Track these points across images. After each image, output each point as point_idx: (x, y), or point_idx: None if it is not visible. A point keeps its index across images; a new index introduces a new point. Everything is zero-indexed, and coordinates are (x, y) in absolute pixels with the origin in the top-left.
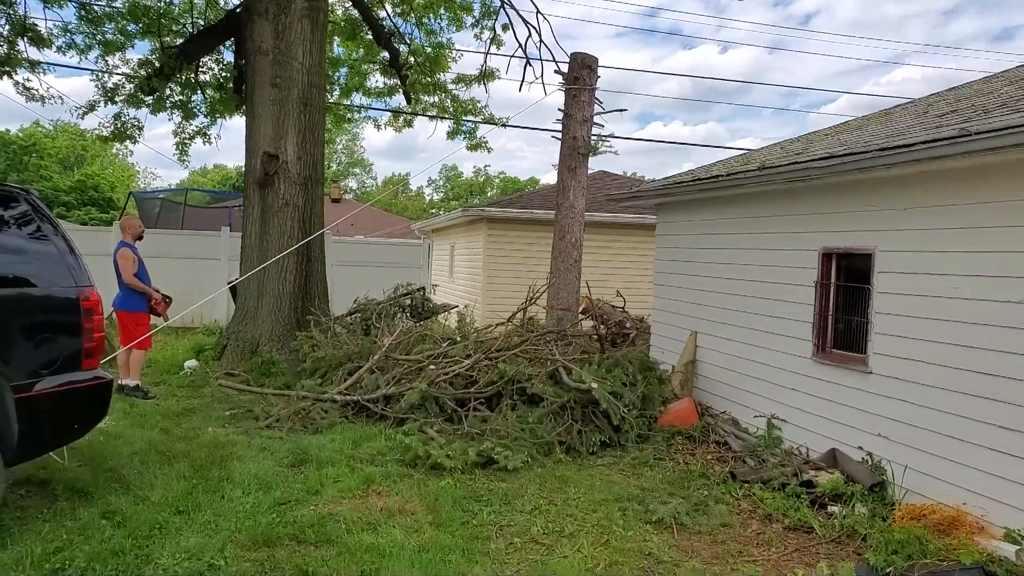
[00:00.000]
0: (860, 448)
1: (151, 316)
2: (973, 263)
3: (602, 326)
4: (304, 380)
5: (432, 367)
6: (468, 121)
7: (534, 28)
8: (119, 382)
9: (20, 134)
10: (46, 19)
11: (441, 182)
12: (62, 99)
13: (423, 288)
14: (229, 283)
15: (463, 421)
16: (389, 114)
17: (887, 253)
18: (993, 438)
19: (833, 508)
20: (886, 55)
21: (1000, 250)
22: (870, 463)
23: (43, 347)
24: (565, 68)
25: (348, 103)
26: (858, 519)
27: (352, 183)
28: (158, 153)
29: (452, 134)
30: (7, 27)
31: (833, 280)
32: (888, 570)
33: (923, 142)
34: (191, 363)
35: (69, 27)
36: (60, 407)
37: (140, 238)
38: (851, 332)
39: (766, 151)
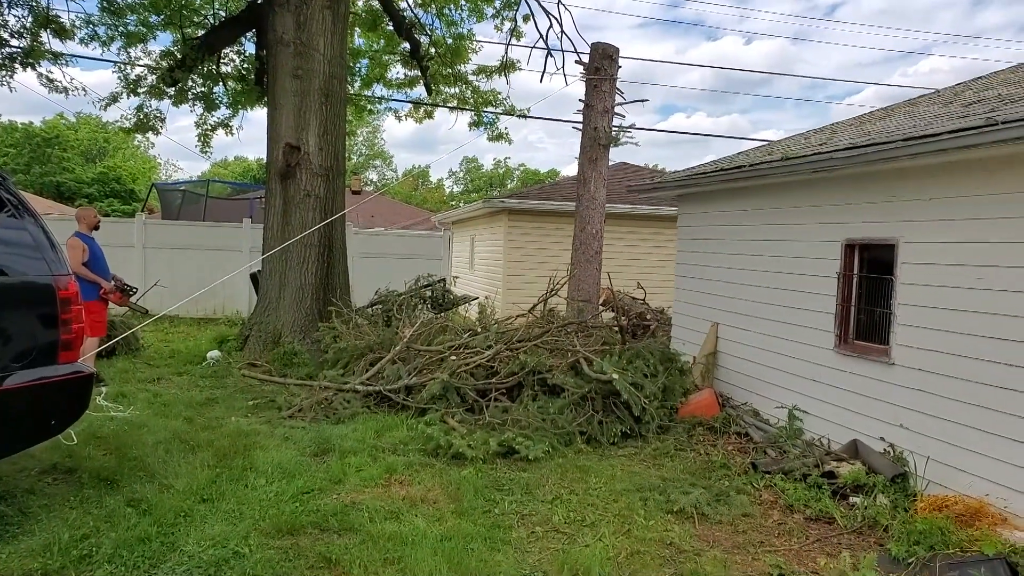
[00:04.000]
0: (882, 439)
1: (107, 305)
2: (999, 254)
3: (623, 317)
4: (326, 370)
5: (453, 358)
6: (488, 112)
7: (555, 18)
8: None
9: (43, 126)
10: (68, 11)
11: (461, 174)
12: (85, 91)
13: (444, 280)
14: (251, 274)
15: (484, 411)
16: (410, 105)
17: (911, 244)
18: (1017, 429)
19: (855, 499)
20: (913, 45)
21: None
22: (892, 454)
23: (14, 339)
24: (586, 59)
25: (369, 94)
26: (880, 510)
27: (373, 175)
28: (180, 145)
29: (473, 125)
30: (30, 19)
31: (856, 271)
32: (910, 560)
33: (949, 132)
34: (214, 354)
35: (92, 19)
36: (33, 403)
37: (96, 228)
38: (874, 323)
39: (789, 141)
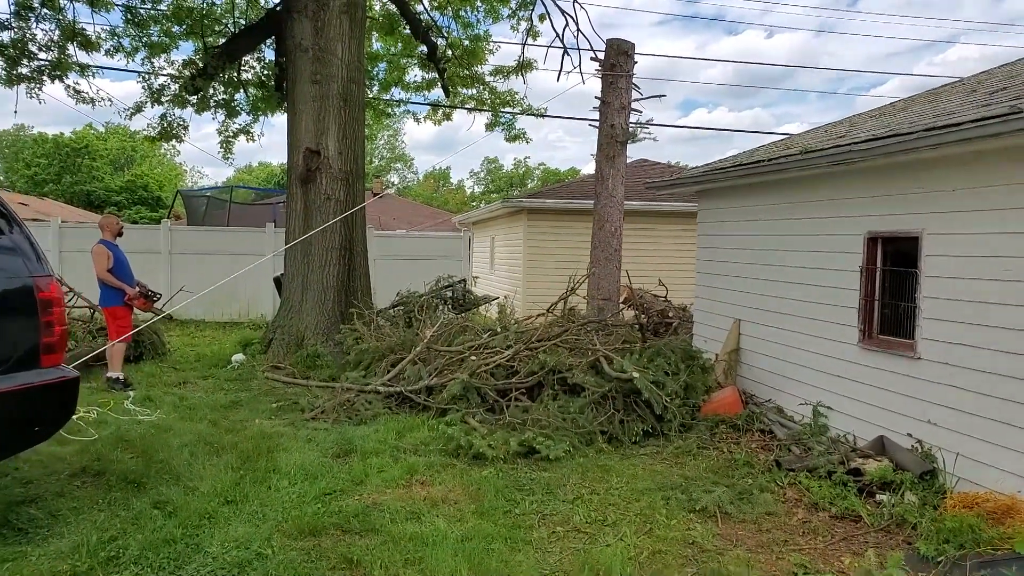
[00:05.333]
0: (909, 435)
1: (132, 311)
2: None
3: (643, 315)
4: (348, 372)
5: (473, 358)
6: (506, 113)
7: (571, 17)
8: (107, 375)
9: (73, 136)
10: (94, 23)
11: (482, 174)
12: (111, 101)
13: (464, 280)
14: (274, 278)
15: (504, 411)
16: (428, 108)
17: (935, 236)
18: None
19: (881, 496)
20: (939, 34)
21: None
22: (920, 451)
23: None
24: (602, 56)
25: (387, 98)
26: (907, 507)
27: (394, 178)
28: (204, 152)
29: (491, 126)
30: (57, 32)
31: (879, 265)
32: (939, 559)
33: (972, 121)
34: (238, 357)
35: (116, 31)
36: (14, 408)
37: (120, 234)
38: (898, 318)
39: (809, 135)
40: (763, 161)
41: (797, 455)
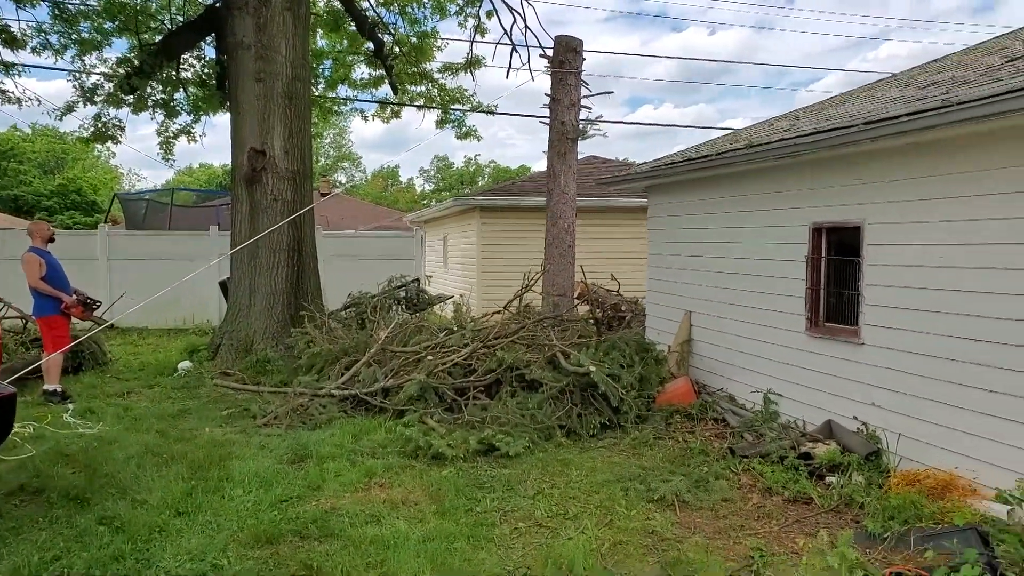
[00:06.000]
0: (855, 418)
1: (70, 320)
2: (959, 232)
3: (598, 310)
4: (300, 376)
5: (430, 358)
6: (456, 110)
7: (519, 14)
8: (45, 387)
9: None
10: (19, 19)
11: (432, 173)
12: (39, 101)
13: (417, 280)
14: (220, 282)
15: (463, 410)
16: (376, 106)
17: (875, 225)
18: (982, 402)
19: (831, 478)
20: (872, 31)
21: (985, 218)
22: (865, 433)
23: None
24: (551, 53)
25: (334, 96)
26: (855, 488)
27: (342, 177)
28: (142, 154)
29: (441, 123)
30: None
31: (824, 254)
32: (886, 536)
33: (907, 114)
34: (185, 364)
35: (43, 27)
36: None
37: (51, 240)
38: (843, 305)
39: (754, 129)
40: (710, 156)
41: (750, 442)
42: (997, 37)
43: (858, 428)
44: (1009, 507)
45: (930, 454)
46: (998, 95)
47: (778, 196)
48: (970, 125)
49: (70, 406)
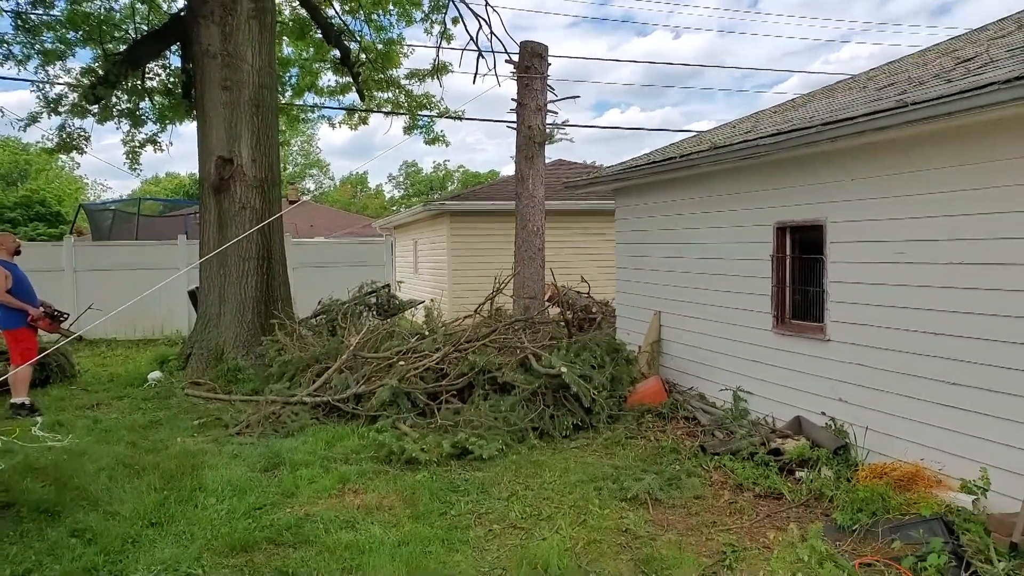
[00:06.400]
0: (823, 414)
1: (37, 332)
2: (916, 229)
3: (568, 312)
4: (272, 384)
5: (402, 363)
6: (423, 115)
7: (484, 20)
8: (11, 401)
9: None
10: None
11: (401, 179)
12: (1, 112)
13: (388, 285)
14: (189, 291)
15: (436, 414)
16: (343, 112)
17: (837, 224)
18: (944, 394)
19: (800, 473)
20: (833, 34)
21: (941, 215)
22: (833, 427)
23: None
24: (516, 58)
25: (301, 103)
26: (824, 482)
27: (310, 184)
28: (107, 164)
29: (409, 129)
30: None
31: (788, 253)
32: (854, 528)
33: (864, 114)
34: (155, 375)
35: (5, 37)
36: None
37: (17, 253)
38: (808, 302)
39: (717, 131)
40: (675, 158)
41: (721, 439)
42: (951, 39)
43: (826, 423)
44: (974, 497)
45: (897, 447)
46: (948, 96)
47: (742, 196)
48: (924, 125)
49: (39, 419)
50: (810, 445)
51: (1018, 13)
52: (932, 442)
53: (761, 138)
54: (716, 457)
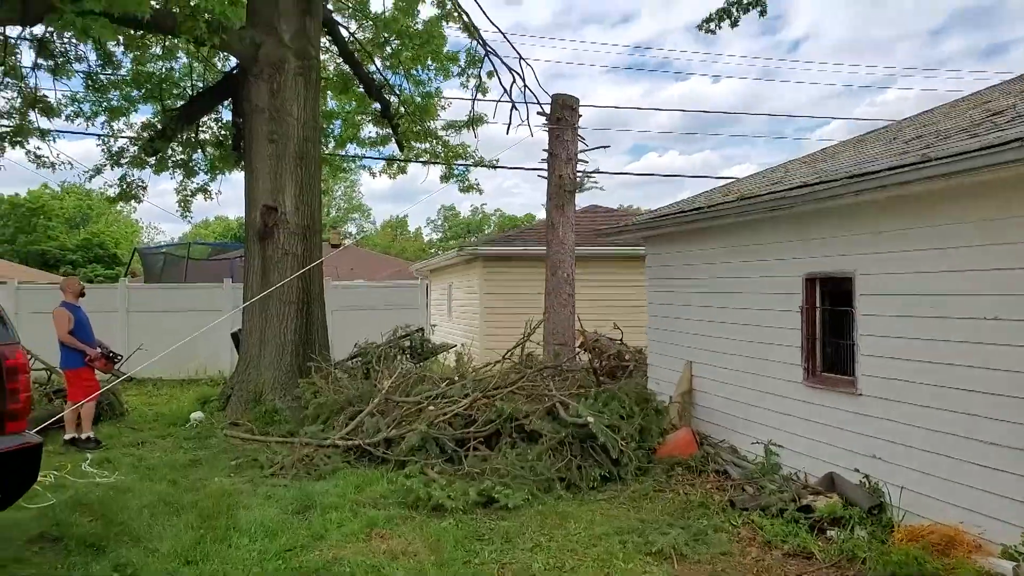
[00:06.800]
0: (857, 471)
1: (94, 371)
2: (946, 282)
3: (596, 360)
4: (307, 427)
5: (431, 408)
6: (459, 165)
7: (518, 74)
8: (65, 437)
9: (28, 197)
10: (56, 90)
11: (439, 222)
12: (71, 164)
13: (422, 329)
14: (232, 333)
15: (463, 461)
16: (383, 162)
17: (866, 276)
18: (984, 455)
19: (832, 532)
20: (878, 77)
21: (970, 268)
22: (867, 485)
23: None
24: (548, 109)
25: (343, 153)
26: (857, 542)
27: (352, 228)
28: (161, 209)
29: (445, 178)
30: (19, 100)
31: (818, 304)
32: None
33: (888, 169)
34: (197, 415)
35: (77, 96)
36: None
37: (82, 295)
38: (839, 355)
39: (747, 181)
40: (703, 208)
41: (751, 494)
42: (988, 88)
43: (860, 481)
44: (1015, 563)
45: (934, 507)
46: (970, 152)
47: (771, 247)
48: (948, 180)
49: (88, 455)
50: (843, 503)
51: None
52: (971, 504)
53: (788, 190)
54: (745, 512)
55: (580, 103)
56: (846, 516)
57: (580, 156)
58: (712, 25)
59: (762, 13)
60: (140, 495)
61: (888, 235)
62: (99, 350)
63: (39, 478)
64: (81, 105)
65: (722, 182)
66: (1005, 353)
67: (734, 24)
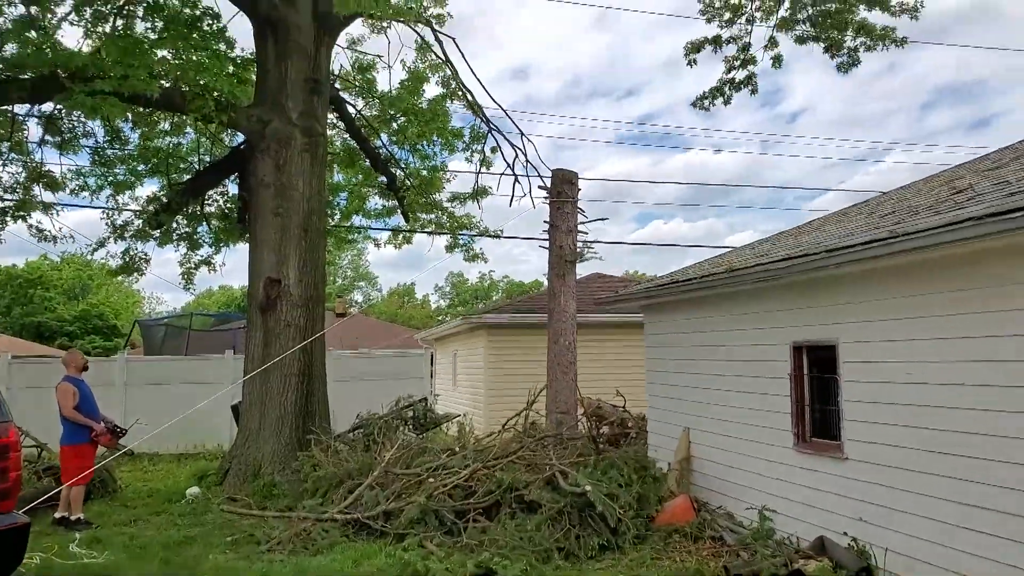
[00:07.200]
0: (845, 534)
1: (96, 448)
2: (920, 350)
3: (596, 427)
4: (305, 500)
5: (431, 480)
6: (464, 234)
7: (520, 150)
8: (55, 515)
9: (26, 268)
10: (61, 164)
11: (447, 289)
12: (73, 238)
13: (425, 399)
14: (232, 406)
15: (462, 533)
16: (388, 233)
17: (849, 344)
18: (961, 516)
19: None
20: (871, 148)
21: (939, 337)
22: (855, 548)
23: None
24: (548, 182)
25: (348, 225)
26: None
27: (358, 296)
28: (163, 280)
29: (450, 248)
30: (23, 174)
31: (806, 372)
32: None
33: (861, 243)
34: (193, 490)
35: (82, 170)
36: None
37: (85, 369)
38: (827, 420)
39: (737, 253)
40: (695, 279)
41: (745, 560)
42: (956, 166)
43: (849, 544)
44: None
45: (919, 569)
46: (933, 228)
47: (761, 316)
48: (915, 254)
49: (77, 535)
50: (832, 566)
51: (1020, 142)
52: (952, 565)
53: (772, 262)
54: None
55: (580, 177)
56: None
57: (580, 227)
58: (706, 102)
59: (753, 92)
60: None
61: (867, 305)
62: (104, 425)
63: (24, 559)
64: (87, 179)
65: (722, 250)
66: (976, 417)
67: (727, 102)
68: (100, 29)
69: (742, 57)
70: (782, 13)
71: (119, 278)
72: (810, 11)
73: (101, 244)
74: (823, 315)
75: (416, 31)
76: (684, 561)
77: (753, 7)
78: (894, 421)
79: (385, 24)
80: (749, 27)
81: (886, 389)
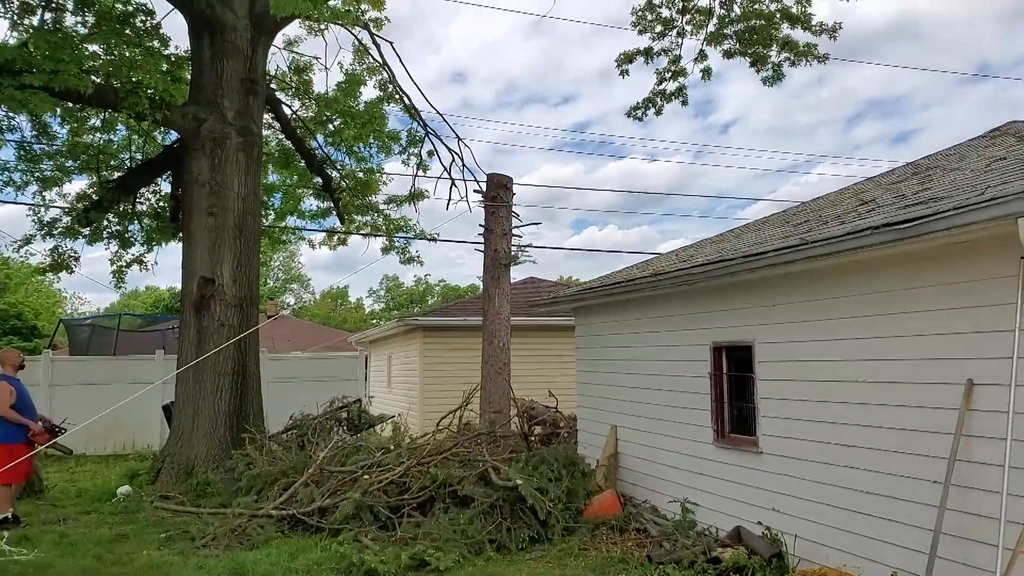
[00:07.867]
0: (759, 523)
1: (32, 448)
2: (826, 350)
3: (529, 426)
4: (240, 498)
5: (366, 477)
6: (400, 237)
7: (456, 154)
8: None
9: None
10: None
11: (382, 293)
12: None
13: (359, 400)
14: (163, 406)
15: (397, 527)
16: (323, 234)
17: (763, 345)
18: (857, 502)
19: None
20: (801, 159)
21: (847, 337)
22: (768, 536)
23: None
24: (484, 187)
25: (283, 225)
26: None
27: (290, 298)
28: (89, 279)
29: (386, 250)
30: None
31: (724, 371)
32: None
33: (774, 250)
34: (124, 489)
35: (7, 165)
36: None
37: (21, 367)
38: (744, 417)
39: (663, 258)
40: (622, 282)
41: (667, 549)
42: (865, 180)
43: (763, 532)
44: None
45: (823, 553)
46: (836, 237)
47: (683, 318)
48: (823, 260)
49: (4, 534)
50: (747, 553)
51: (924, 158)
52: (851, 548)
53: (693, 267)
54: (661, 566)
55: (515, 181)
56: (749, 565)
57: (515, 231)
58: (639, 112)
59: (684, 103)
60: (62, 572)
61: (779, 308)
62: (42, 424)
63: None
64: (12, 175)
65: (654, 255)
66: (869, 412)
67: (659, 112)
68: (27, 21)
69: (673, 69)
70: (711, 28)
71: (42, 277)
72: (737, 27)
73: (27, 241)
74: (740, 317)
75: (354, 34)
76: (610, 552)
77: (683, 21)
78: (801, 416)
79: (323, 26)
80: (680, 40)
81: (795, 387)
